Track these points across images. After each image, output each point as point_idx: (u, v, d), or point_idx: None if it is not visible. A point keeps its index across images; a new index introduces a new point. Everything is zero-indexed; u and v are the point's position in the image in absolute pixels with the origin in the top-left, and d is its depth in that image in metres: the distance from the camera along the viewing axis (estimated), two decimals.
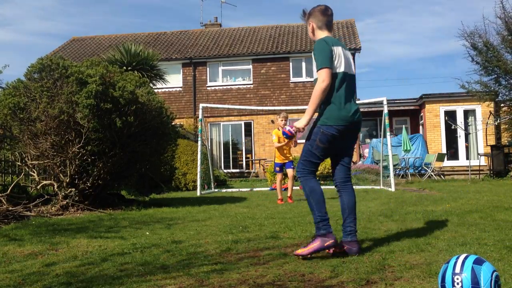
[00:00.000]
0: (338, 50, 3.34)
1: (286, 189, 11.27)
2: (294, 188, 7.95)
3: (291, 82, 20.53)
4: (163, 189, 11.39)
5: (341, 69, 3.33)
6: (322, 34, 3.48)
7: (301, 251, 3.19)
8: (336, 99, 3.30)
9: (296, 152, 8.17)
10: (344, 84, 3.33)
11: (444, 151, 17.42)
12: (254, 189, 11.98)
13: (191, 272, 2.88)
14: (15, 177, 6.78)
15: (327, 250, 3.22)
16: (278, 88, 20.60)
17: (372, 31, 72.04)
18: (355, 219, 3.40)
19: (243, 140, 20.69)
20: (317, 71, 3.29)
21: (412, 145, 16.55)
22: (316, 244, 3.19)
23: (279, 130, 7.69)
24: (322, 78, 3.24)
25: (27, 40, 72.36)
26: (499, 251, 3.21)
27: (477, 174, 15.14)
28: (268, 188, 11.91)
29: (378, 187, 11.04)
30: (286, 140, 7.51)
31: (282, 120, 7.74)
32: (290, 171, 7.75)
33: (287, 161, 7.77)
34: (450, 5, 68.48)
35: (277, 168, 7.90)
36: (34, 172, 6.61)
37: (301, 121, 3.39)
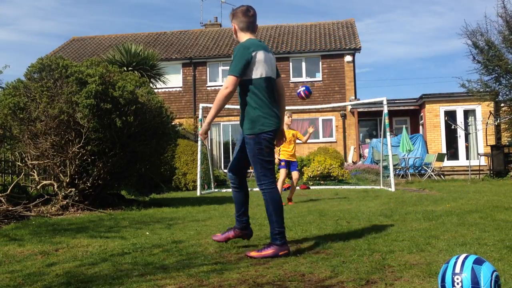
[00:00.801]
0: (259, 56, 3.32)
1: (286, 189, 11.27)
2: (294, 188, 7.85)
3: (291, 82, 20.53)
4: (163, 189, 11.39)
5: (264, 74, 3.33)
6: (244, 36, 3.46)
7: (255, 254, 3.23)
8: (264, 104, 3.31)
9: (297, 152, 8.17)
10: (269, 89, 3.35)
11: (444, 151, 17.42)
12: (254, 189, 11.98)
13: (191, 272, 2.88)
14: (15, 177, 6.78)
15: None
16: None
17: (372, 31, 72.07)
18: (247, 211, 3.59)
19: None
20: (228, 75, 3.32)
21: (412, 145, 16.55)
22: (271, 251, 3.23)
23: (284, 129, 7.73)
24: (226, 84, 3.26)
25: (27, 40, 72.37)
26: (499, 251, 3.21)
27: (477, 174, 15.14)
28: None
29: (378, 187, 11.04)
30: (290, 139, 7.44)
31: (289, 117, 7.67)
32: (295, 174, 7.61)
33: (292, 160, 7.58)
34: (450, 5, 68.51)
35: (282, 163, 7.58)
36: (34, 172, 6.61)
37: (202, 127, 3.44)
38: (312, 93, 7.06)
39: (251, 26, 3.48)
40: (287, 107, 7.27)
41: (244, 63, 3.28)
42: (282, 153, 7.59)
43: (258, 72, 3.32)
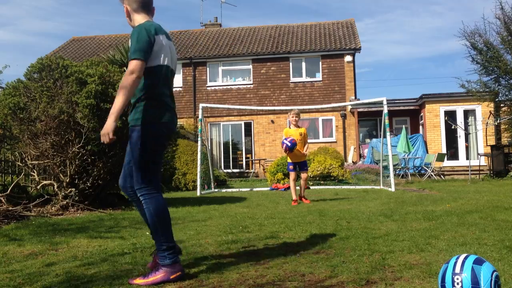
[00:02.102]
0: (161, 40, 2.82)
1: (286, 189, 11.27)
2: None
3: (291, 82, 20.53)
4: (163, 189, 11.38)
5: (165, 61, 2.85)
6: (140, 18, 2.91)
7: (141, 281, 2.65)
8: (158, 96, 2.82)
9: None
10: (167, 79, 2.89)
11: (444, 151, 17.42)
12: (254, 189, 11.98)
13: (191, 272, 2.88)
14: (15, 177, 6.78)
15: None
16: (278, 88, 20.60)
17: (372, 31, 72.07)
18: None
19: (243, 140, 20.68)
20: (129, 60, 2.72)
21: (412, 146, 16.54)
22: (160, 276, 2.67)
23: (290, 128, 7.54)
24: (131, 68, 2.67)
25: (27, 40, 72.36)
26: (499, 251, 3.21)
27: (477, 174, 15.13)
28: (268, 188, 11.91)
29: (378, 187, 11.04)
30: (298, 139, 7.29)
31: (293, 117, 7.52)
32: (304, 175, 7.52)
33: (300, 161, 7.43)
34: (449, 5, 68.51)
35: (290, 167, 7.47)
36: (34, 172, 6.61)
37: (108, 124, 2.66)
38: (294, 147, 7.18)
39: (146, 6, 2.93)
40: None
41: (147, 45, 2.72)
42: (290, 155, 7.39)
43: (160, 58, 2.82)
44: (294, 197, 7.29)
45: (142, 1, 2.91)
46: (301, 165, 7.45)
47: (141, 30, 2.74)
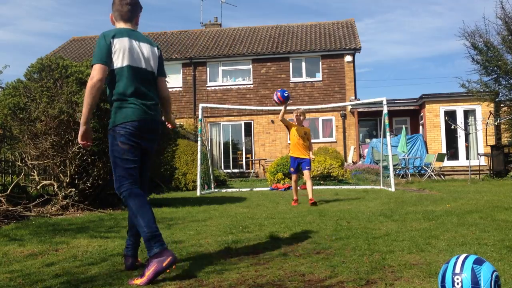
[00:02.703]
0: (122, 42, 2.93)
1: (286, 189, 11.26)
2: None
3: (291, 82, 20.52)
4: (163, 189, 11.38)
5: (125, 62, 2.94)
6: (116, 26, 3.10)
7: (139, 281, 2.65)
8: (123, 96, 2.93)
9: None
10: (134, 79, 2.95)
11: (444, 151, 17.42)
12: (254, 189, 11.98)
13: (191, 272, 2.88)
14: (15, 177, 6.78)
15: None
16: (278, 88, 20.54)
17: (371, 31, 72.05)
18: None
19: (243, 140, 20.68)
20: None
21: (407, 147, 16.53)
22: (152, 270, 2.65)
23: (296, 124, 7.39)
24: (92, 74, 2.86)
25: (27, 40, 72.36)
26: (499, 251, 3.21)
27: (477, 174, 15.13)
28: (268, 188, 11.90)
29: (378, 187, 11.03)
30: (302, 136, 7.19)
31: (297, 115, 7.38)
32: (306, 173, 7.17)
33: (302, 157, 7.18)
34: (449, 5, 68.51)
35: (292, 169, 7.33)
36: (34, 172, 6.61)
37: (80, 132, 2.92)
38: (288, 97, 6.99)
39: (125, 15, 3.07)
40: (287, 108, 7.20)
41: (104, 50, 2.88)
42: (291, 148, 7.29)
43: (119, 61, 2.92)
44: (295, 197, 7.22)
45: (122, 10, 3.08)
46: (303, 164, 7.19)
47: (100, 37, 2.95)
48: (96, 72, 2.85)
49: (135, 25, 3.15)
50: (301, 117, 7.34)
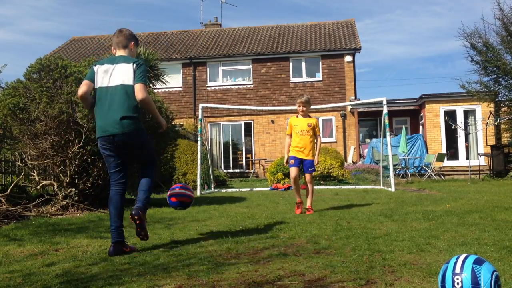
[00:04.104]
0: (100, 69, 3.65)
1: (286, 189, 11.25)
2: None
3: (291, 82, 20.53)
4: (163, 189, 11.38)
5: (96, 85, 3.64)
6: (116, 53, 3.84)
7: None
8: (96, 113, 3.65)
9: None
10: (101, 98, 3.61)
11: (444, 151, 17.42)
12: (254, 189, 11.98)
13: (190, 272, 2.88)
14: (15, 177, 6.78)
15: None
16: (278, 88, 20.60)
17: (371, 31, 72.08)
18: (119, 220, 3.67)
19: (243, 140, 20.69)
20: None
21: (407, 147, 16.53)
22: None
23: (298, 117, 6.11)
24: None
25: (27, 40, 72.40)
26: (499, 251, 3.21)
27: (477, 174, 15.13)
28: (268, 188, 11.90)
29: (378, 187, 11.03)
30: (304, 130, 5.93)
31: (299, 106, 6.05)
32: (307, 176, 5.94)
33: (304, 157, 5.91)
34: (449, 5, 68.54)
35: (291, 161, 5.90)
36: (34, 172, 6.61)
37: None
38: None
39: (116, 45, 3.82)
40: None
41: (89, 75, 3.69)
42: (291, 149, 6.01)
43: (94, 84, 3.66)
44: (297, 199, 5.98)
45: (115, 41, 3.82)
46: (305, 165, 5.93)
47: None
48: (79, 89, 3.65)
49: (122, 48, 3.84)
50: (305, 108, 6.01)
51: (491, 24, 17.85)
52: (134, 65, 3.62)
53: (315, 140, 6.04)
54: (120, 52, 3.79)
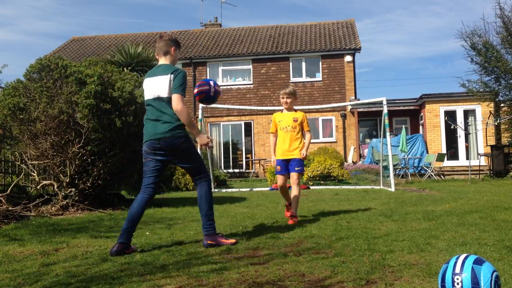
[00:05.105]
0: (144, 83, 3.88)
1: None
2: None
3: (291, 82, 20.51)
4: (163, 189, 11.38)
5: (145, 97, 3.88)
6: (159, 61, 3.95)
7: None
8: (144, 121, 3.87)
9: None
10: (148, 109, 3.83)
11: (444, 151, 17.41)
12: (254, 189, 11.98)
13: (191, 272, 2.88)
14: (15, 177, 6.78)
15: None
16: (278, 88, 20.56)
17: (371, 31, 72.09)
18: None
19: (243, 140, 20.68)
20: None
21: (407, 146, 16.52)
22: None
23: (282, 112, 5.39)
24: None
25: (27, 40, 72.40)
26: (499, 251, 3.21)
27: (477, 174, 15.13)
28: (268, 188, 11.90)
29: (378, 187, 11.03)
30: (289, 126, 5.18)
31: (282, 98, 5.27)
32: (293, 176, 5.10)
33: (289, 158, 5.13)
34: (449, 5, 68.55)
35: (278, 168, 5.16)
36: (34, 172, 6.61)
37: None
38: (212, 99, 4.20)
39: (158, 51, 3.92)
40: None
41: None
42: (276, 149, 5.27)
43: (144, 97, 3.93)
44: (287, 202, 5.31)
45: (157, 47, 3.92)
46: (291, 164, 5.13)
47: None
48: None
49: (164, 55, 3.93)
50: (289, 99, 5.24)
51: (491, 23, 17.84)
52: (172, 75, 3.73)
53: (304, 137, 5.28)
54: (161, 60, 3.90)
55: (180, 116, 3.67)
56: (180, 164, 3.91)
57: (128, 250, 3.53)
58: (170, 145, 3.68)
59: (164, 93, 3.71)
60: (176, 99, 3.66)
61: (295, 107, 5.59)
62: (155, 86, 3.77)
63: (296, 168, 5.09)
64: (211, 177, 12.13)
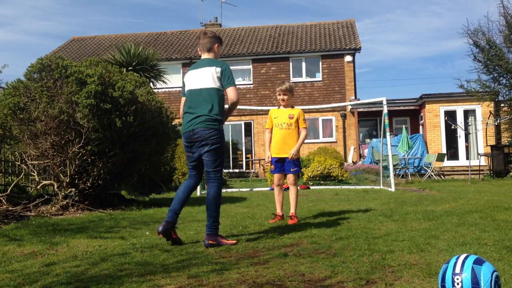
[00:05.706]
0: (187, 76, 4.08)
1: (286, 189, 11.21)
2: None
3: (291, 82, 20.51)
4: (163, 189, 11.38)
5: (186, 88, 4.05)
6: (202, 56, 4.13)
7: None
8: (183, 111, 4.03)
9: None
10: (189, 99, 3.99)
11: (444, 151, 17.41)
12: (254, 189, 11.98)
13: (191, 272, 2.88)
14: (15, 177, 6.78)
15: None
16: None
17: (371, 31, 72.09)
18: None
19: (243, 140, 20.68)
20: None
21: (407, 147, 16.53)
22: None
23: (279, 108, 5.30)
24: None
25: (27, 40, 72.39)
26: (499, 251, 3.21)
27: (477, 174, 15.13)
28: (268, 188, 11.90)
29: (378, 187, 11.03)
30: (284, 123, 5.11)
31: (279, 95, 5.22)
32: (290, 178, 5.08)
33: (284, 155, 5.03)
34: (448, 5, 68.54)
35: (272, 167, 5.13)
36: (34, 172, 6.61)
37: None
38: None
39: (202, 47, 4.11)
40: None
41: (182, 85, 4.16)
42: (272, 146, 5.18)
43: (187, 87, 4.06)
44: (277, 211, 5.17)
45: (200, 43, 4.13)
46: (286, 164, 5.05)
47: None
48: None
49: (208, 52, 4.11)
50: (285, 96, 5.17)
51: (494, 22, 17.83)
52: (218, 68, 3.93)
53: (297, 132, 5.14)
54: (204, 55, 4.09)
55: (234, 106, 3.95)
56: (205, 157, 3.95)
57: (174, 235, 3.76)
58: (203, 136, 3.82)
59: (207, 84, 3.89)
60: (233, 91, 3.90)
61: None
62: (198, 78, 3.96)
63: (292, 170, 5.03)
64: None
